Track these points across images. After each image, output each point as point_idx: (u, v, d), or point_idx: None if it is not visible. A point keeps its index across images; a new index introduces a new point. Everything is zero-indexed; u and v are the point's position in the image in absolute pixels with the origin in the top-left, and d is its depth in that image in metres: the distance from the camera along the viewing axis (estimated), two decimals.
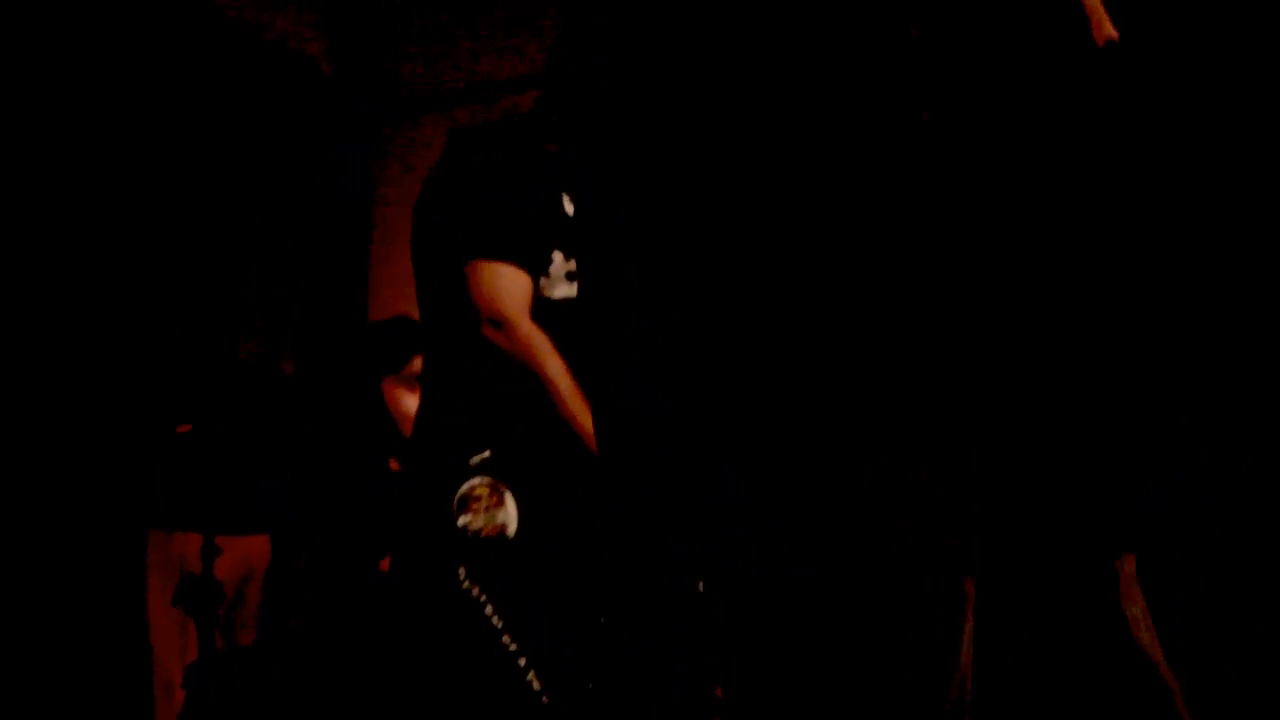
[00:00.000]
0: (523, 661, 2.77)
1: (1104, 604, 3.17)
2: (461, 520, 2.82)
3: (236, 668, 3.82)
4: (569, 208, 3.15)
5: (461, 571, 2.80)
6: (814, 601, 3.37)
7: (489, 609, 2.79)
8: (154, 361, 4.46)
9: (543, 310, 3.03)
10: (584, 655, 2.84)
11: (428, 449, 3.02)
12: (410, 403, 3.95)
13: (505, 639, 2.77)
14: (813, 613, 3.37)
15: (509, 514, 2.85)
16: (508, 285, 3.02)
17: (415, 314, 3.37)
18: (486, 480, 2.85)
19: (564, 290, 3.07)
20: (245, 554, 4.32)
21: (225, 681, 3.77)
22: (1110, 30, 3.06)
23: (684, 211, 3.48)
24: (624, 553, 2.93)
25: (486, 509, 2.84)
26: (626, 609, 2.91)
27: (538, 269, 3.05)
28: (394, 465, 4.05)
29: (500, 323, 2.99)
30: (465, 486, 2.85)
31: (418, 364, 3.92)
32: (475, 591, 2.79)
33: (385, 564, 3.91)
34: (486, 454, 2.88)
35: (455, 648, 2.81)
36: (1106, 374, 3.20)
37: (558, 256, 3.08)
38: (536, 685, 2.76)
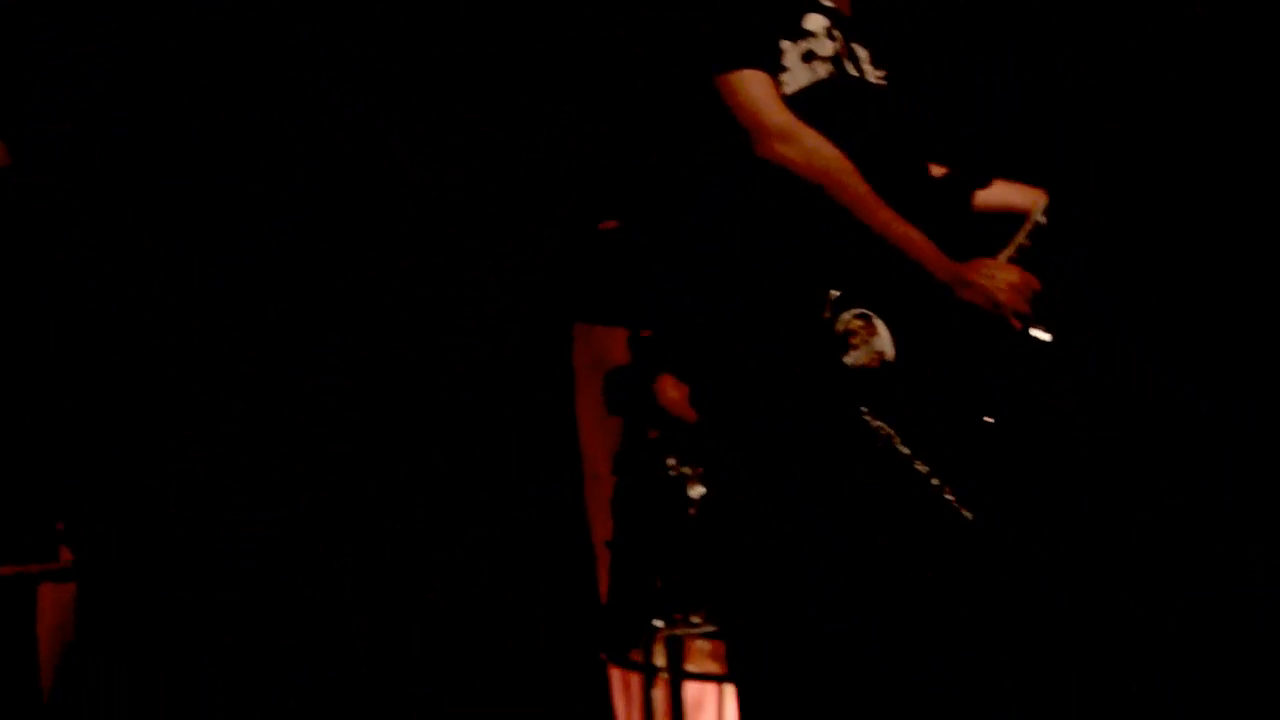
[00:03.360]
0: (936, 482, 2.73)
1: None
2: (848, 360, 2.73)
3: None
4: None
5: (865, 412, 2.73)
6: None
7: (896, 440, 2.73)
8: None
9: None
10: (984, 458, 2.80)
11: (768, 300, 2.84)
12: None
13: (918, 465, 2.72)
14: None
15: (884, 340, 2.76)
16: (767, 92, 2.78)
17: None
18: (854, 312, 2.75)
19: (804, 78, 2.85)
20: None
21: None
22: None
23: None
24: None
25: (864, 342, 2.75)
26: (1015, 401, 2.86)
27: (773, 66, 2.81)
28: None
29: (786, 135, 2.77)
30: (839, 325, 2.75)
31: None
32: (884, 429, 2.72)
33: None
34: (837, 293, 2.76)
35: (877, 488, 2.73)
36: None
37: (785, 45, 2.84)
38: (953, 501, 2.72)
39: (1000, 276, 2.87)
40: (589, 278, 4.18)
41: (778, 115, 2.77)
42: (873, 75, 2.98)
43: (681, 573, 3.85)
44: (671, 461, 3.93)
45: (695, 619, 3.85)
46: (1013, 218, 3.10)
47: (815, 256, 2.79)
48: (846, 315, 2.75)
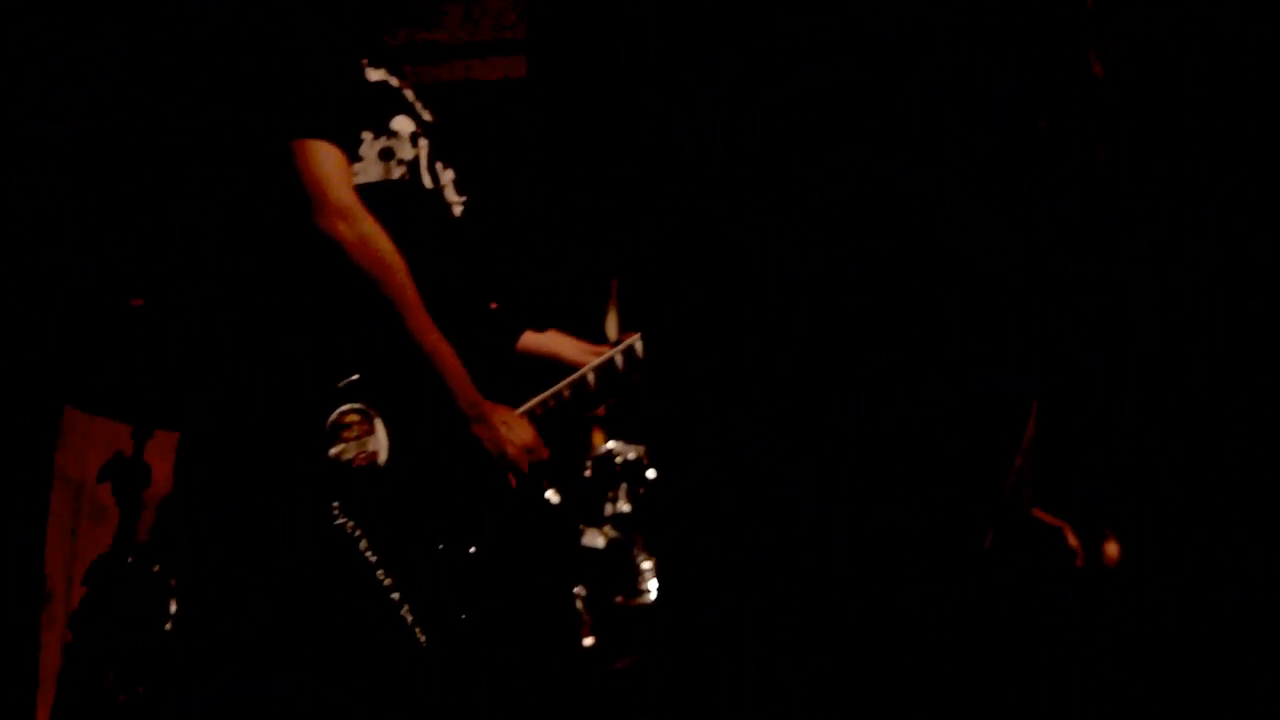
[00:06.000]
0: (396, 597, 2.66)
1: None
2: (333, 451, 2.66)
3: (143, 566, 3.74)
4: (370, 74, 2.91)
5: (335, 506, 2.65)
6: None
7: (363, 544, 2.66)
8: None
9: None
10: (456, 588, 2.75)
11: (284, 371, 2.78)
12: None
13: (379, 574, 2.66)
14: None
15: (380, 441, 2.71)
16: (338, 168, 2.76)
17: None
18: (356, 406, 2.70)
19: (375, 173, 2.85)
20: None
21: (132, 582, 3.70)
22: None
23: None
24: (496, 489, 2.84)
25: (357, 437, 2.69)
26: (499, 539, 2.83)
27: (350, 152, 2.81)
28: None
29: (346, 213, 2.73)
30: (335, 414, 2.68)
31: None
32: (350, 526, 2.65)
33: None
34: (355, 377, 2.72)
35: (329, 586, 2.66)
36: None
37: (366, 136, 2.85)
38: (409, 620, 2.66)
39: (516, 430, 2.86)
40: (93, 360, 3.87)
41: (343, 192, 2.75)
42: (451, 195, 2.98)
43: (148, 687, 3.64)
44: (157, 568, 3.77)
45: None
46: (561, 368, 3.11)
47: (338, 341, 2.74)
48: (345, 407, 2.69)
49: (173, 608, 3.67)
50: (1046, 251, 3.25)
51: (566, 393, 3.01)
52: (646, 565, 4.20)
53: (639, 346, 3.09)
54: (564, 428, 3.04)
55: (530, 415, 2.97)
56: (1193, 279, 3.31)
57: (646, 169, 3.50)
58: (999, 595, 3.17)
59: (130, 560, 3.74)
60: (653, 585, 4.17)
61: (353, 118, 2.83)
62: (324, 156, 2.76)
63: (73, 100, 4.01)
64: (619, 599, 4.16)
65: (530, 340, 3.18)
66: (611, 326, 3.81)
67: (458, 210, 2.99)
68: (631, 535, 4.24)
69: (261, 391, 2.79)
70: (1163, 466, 3.30)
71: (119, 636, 3.66)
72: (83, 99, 3.87)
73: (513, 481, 2.85)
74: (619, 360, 3.09)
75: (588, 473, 4.27)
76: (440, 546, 2.73)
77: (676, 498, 3.91)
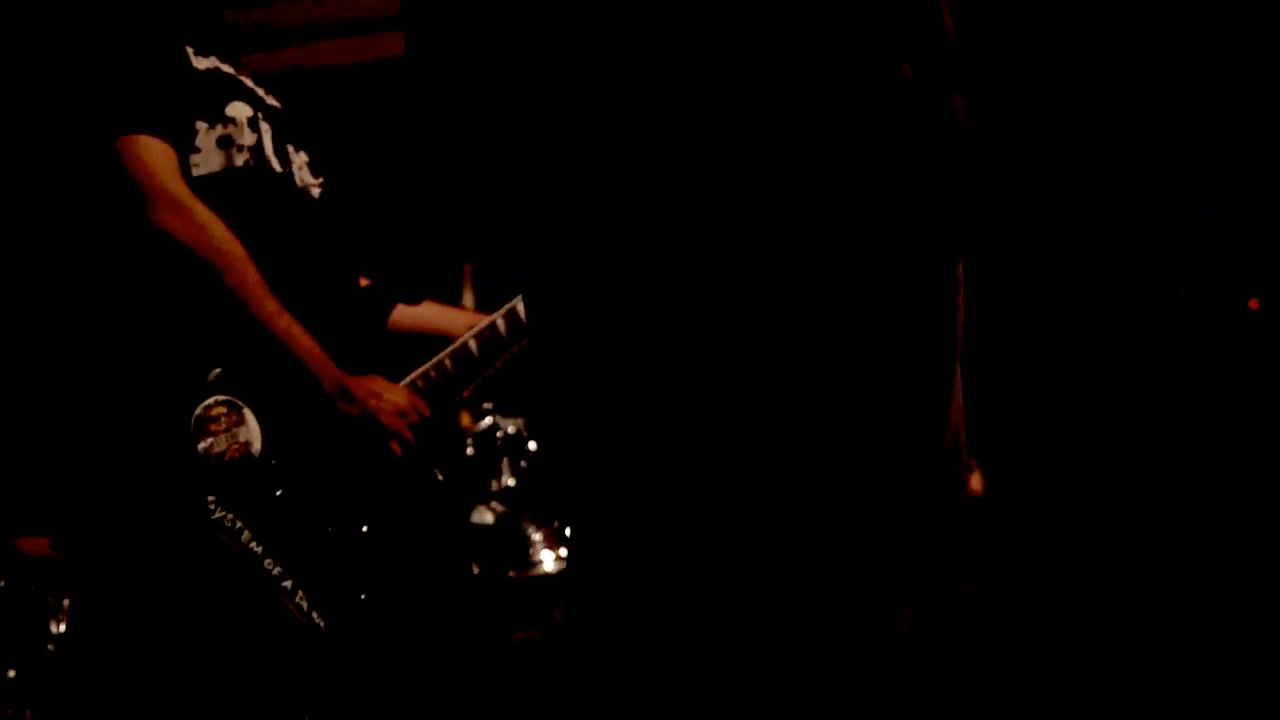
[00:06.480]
0: (289, 584, 2.63)
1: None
2: (201, 446, 2.64)
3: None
4: (198, 63, 2.88)
5: (211, 501, 2.63)
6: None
7: (246, 535, 2.63)
8: None
9: (195, 191, 2.76)
10: (351, 569, 2.72)
11: (144, 372, 2.75)
12: None
13: (268, 564, 2.63)
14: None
15: (251, 431, 2.69)
16: (166, 161, 2.75)
17: None
18: (222, 398, 2.68)
19: (216, 162, 2.83)
20: None
21: None
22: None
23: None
24: (387, 465, 2.82)
25: (227, 429, 2.67)
26: (392, 513, 2.80)
27: (183, 144, 2.79)
28: None
29: (176, 205, 2.72)
30: (199, 408, 2.66)
31: None
32: (229, 519, 2.63)
33: None
34: (218, 370, 2.69)
35: (216, 582, 2.63)
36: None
37: (201, 126, 2.83)
38: (305, 606, 2.64)
39: (388, 398, 2.82)
40: None
41: (172, 185, 2.73)
42: (306, 179, 2.96)
43: (32, 710, 3.50)
44: (33, 589, 3.63)
45: None
46: (440, 340, 3.07)
47: (191, 336, 2.72)
48: (210, 400, 2.67)
49: (56, 628, 3.62)
50: (1046, 251, 3.26)
51: (449, 362, 2.97)
52: (536, 537, 4.20)
53: (521, 309, 3.03)
54: (439, 408, 2.99)
55: (413, 388, 2.94)
56: (1192, 279, 3.31)
57: (654, 174, 3.49)
58: (999, 595, 3.17)
59: (2, 584, 3.69)
60: (545, 556, 4.16)
61: (182, 109, 2.80)
62: (148, 151, 2.75)
63: (73, 100, 4.01)
64: (512, 573, 4.15)
65: (405, 314, 3.15)
66: (467, 304, 3.76)
67: (315, 192, 2.95)
68: (519, 509, 4.23)
69: (123, 394, 2.77)
70: (1163, 466, 3.30)
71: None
72: (83, 99, 3.87)
73: (397, 449, 2.83)
74: (501, 325, 3.03)
75: (470, 450, 4.25)
76: (329, 529, 2.71)
77: (680, 497, 3.91)
